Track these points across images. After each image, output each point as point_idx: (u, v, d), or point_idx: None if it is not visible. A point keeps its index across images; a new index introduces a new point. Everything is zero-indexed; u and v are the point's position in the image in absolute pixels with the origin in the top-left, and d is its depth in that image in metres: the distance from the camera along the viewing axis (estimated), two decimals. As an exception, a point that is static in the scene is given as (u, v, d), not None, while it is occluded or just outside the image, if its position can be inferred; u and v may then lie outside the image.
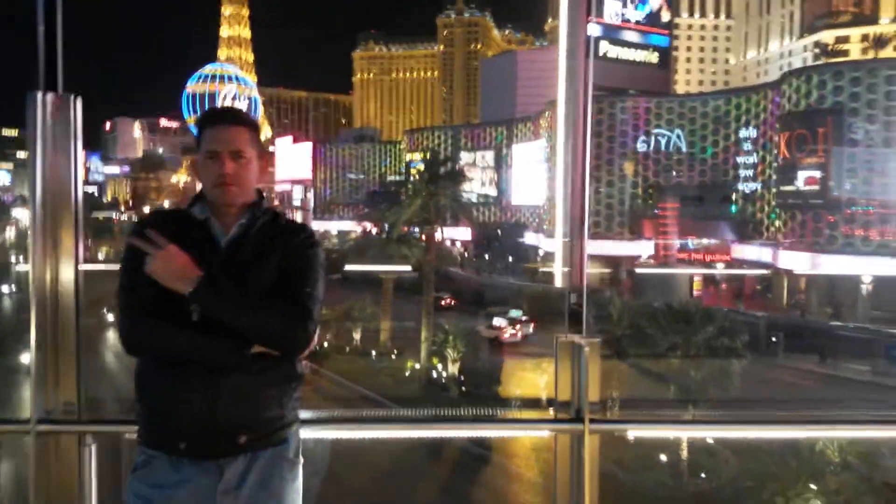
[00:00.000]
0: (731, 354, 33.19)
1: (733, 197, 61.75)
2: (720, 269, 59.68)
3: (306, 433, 2.60)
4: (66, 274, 2.85)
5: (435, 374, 35.40)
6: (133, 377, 2.42)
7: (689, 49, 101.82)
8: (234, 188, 2.39)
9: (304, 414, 2.63)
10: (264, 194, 2.58)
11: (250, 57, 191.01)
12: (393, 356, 39.31)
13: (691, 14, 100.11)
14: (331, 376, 34.47)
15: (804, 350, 41.07)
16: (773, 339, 43.04)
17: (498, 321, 43.09)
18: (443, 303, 48.01)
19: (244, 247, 2.39)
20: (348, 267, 47.55)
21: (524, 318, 43.77)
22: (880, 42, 77.90)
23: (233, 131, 2.41)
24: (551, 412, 2.95)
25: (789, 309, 52.84)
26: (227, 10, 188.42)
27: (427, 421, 3.20)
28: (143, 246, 2.28)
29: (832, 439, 17.98)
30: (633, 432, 3.05)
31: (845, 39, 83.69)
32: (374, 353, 39.92)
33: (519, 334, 42.40)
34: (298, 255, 2.41)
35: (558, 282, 3.04)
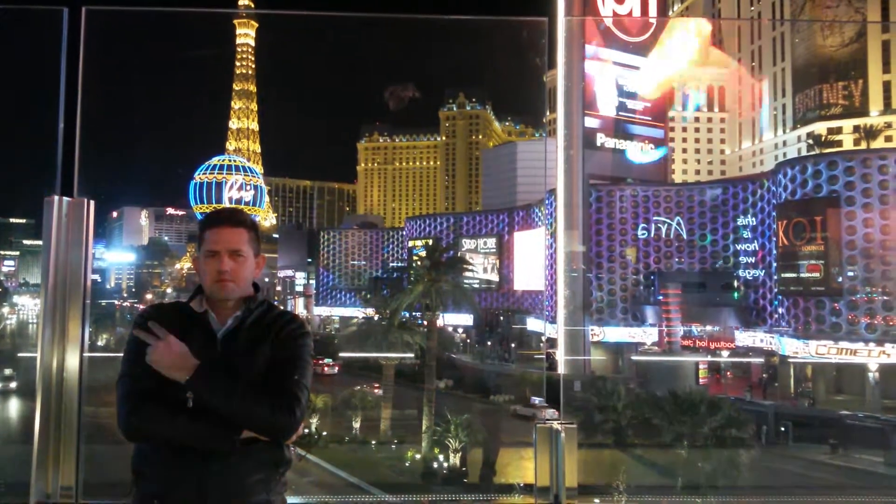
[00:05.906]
0: (739, 445, 32.45)
1: (735, 284, 61.79)
2: (724, 357, 58.98)
3: (293, 517, 2.68)
4: (72, 361, 2.98)
5: (436, 465, 34.52)
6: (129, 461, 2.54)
7: (684, 140, 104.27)
8: (231, 284, 2.57)
9: (292, 499, 2.72)
10: (261, 285, 2.77)
11: (258, 148, 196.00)
12: (393, 446, 38.44)
13: (685, 108, 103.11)
14: (323, 465, 33.81)
15: (814, 440, 40.14)
16: (782, 428, 42.13)
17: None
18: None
19: (239, 338, 2.55)
20: (349, 354, 47.14)
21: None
22: (871, 133, 79.82)
23: (232, 232, 2.60)
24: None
25: (796, 397, 51.97)
26: (236, 104, 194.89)
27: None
28: (144, 337, 2.44)
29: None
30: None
31: (838, 130, 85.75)
32: (374, 442, 39.07)
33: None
34: (288, 345, 2.55)
35: (561, 368, 3.13)
